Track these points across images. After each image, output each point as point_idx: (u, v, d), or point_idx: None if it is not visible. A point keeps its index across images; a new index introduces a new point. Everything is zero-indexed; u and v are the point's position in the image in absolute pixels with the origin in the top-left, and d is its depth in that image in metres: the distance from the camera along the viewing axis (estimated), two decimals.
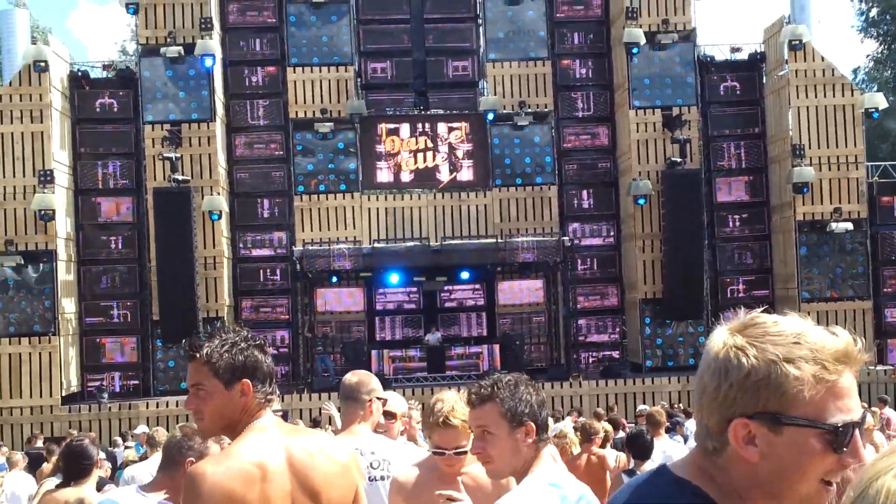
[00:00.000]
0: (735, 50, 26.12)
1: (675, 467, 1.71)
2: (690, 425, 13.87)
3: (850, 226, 23.95)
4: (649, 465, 8.05)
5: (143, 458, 10.44)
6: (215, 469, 2.98)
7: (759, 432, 1.60)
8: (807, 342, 1.61)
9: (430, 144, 25.81)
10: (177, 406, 22.72)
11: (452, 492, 3.55)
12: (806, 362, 1.60)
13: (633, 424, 14.04)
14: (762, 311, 1.67)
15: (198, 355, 3.09)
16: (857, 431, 1.61)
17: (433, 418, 3.86)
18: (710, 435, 1.66)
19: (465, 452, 3.86)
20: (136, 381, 24.22)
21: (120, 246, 24.39)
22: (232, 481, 2.95)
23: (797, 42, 23.98)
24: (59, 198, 22.83)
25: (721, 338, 1.66)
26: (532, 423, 3.20)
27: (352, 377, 4.78)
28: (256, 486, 2.98)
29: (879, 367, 22.73)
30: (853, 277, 24.39)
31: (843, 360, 1.62)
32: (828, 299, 24.07)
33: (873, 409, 14.51)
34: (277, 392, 3.20)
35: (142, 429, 17.28)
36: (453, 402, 3.88)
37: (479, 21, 26.26)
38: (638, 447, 8.14)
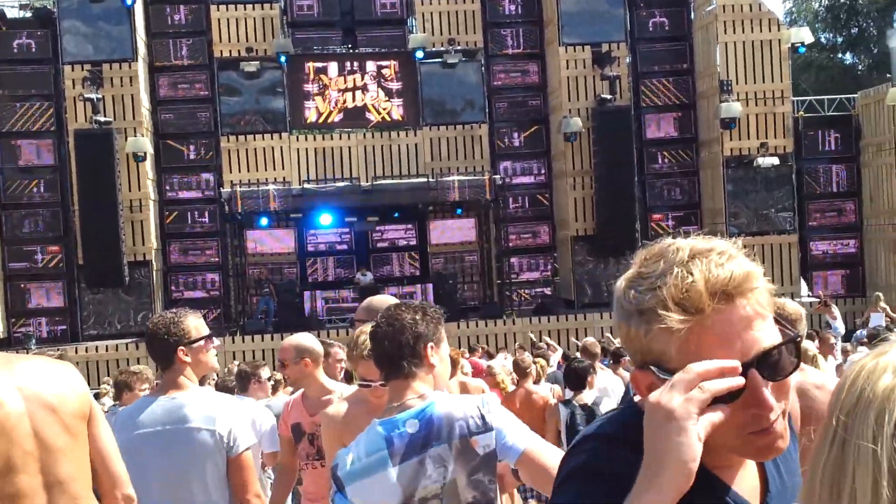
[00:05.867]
0: None
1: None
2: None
3: (776, 160, 24.23)
4: (587, 395, 8.11)
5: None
6: None
7: (655, 383, 1.36)
8: (673, 280, 1.36)
9: (358, 83, 25.46)
10: (106, 350, 22.41)
11: None
12: (664, 309, 1.35)
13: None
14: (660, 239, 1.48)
15: None
16: (753, 373, 1.32)
17: (357, 351, 3.81)
18: None
19: None
20: (64, 327, 23.81)
21: (42, 189, 23.79)
22: None
23: None
24: None
25: (623, 276, 1.47)
26: None
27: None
28: None
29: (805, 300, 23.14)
30: (779, 212, 24.75)
31: (727, 295, 1.35)
32: (754, 233, 24.40)
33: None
34: None
35: None
36: None
37: None
38: (574, 378, 8.17)
